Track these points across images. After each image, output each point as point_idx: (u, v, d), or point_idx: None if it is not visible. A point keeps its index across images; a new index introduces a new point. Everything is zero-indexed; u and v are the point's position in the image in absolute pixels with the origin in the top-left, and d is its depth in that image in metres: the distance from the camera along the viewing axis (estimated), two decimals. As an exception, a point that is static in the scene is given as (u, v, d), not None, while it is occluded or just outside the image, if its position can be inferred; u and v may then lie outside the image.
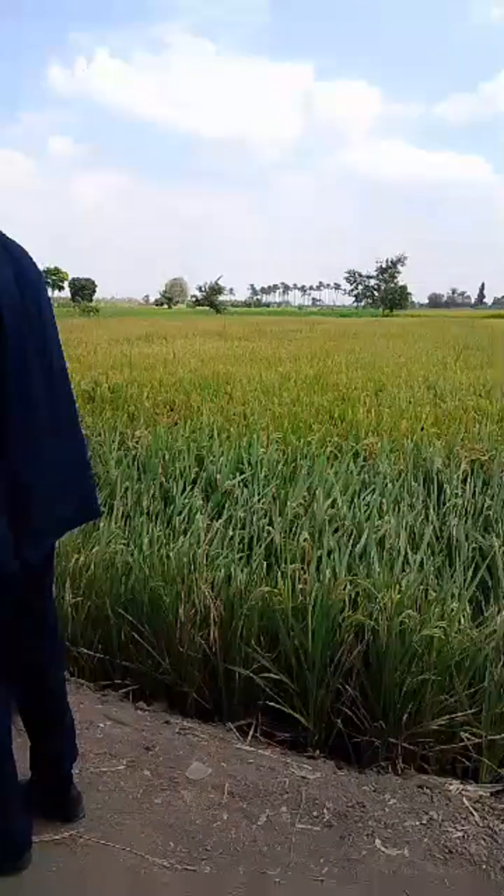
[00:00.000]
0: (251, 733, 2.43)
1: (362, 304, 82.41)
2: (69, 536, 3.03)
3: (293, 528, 3.16)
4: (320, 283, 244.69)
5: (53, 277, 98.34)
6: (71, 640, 2.73)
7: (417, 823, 1.87)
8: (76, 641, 2.75)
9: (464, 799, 1.99)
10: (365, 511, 3.35)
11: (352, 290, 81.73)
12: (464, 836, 1.82)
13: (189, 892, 1.67)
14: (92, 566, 2.86)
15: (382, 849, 1.79)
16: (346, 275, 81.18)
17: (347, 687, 2.42)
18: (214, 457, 4.00)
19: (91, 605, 2.77)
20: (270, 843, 1.82)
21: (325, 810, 1.93)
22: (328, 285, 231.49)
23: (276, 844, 1.82)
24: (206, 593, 2.57)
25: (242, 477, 3.73)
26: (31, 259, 1.62)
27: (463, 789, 2.06)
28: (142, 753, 2.19)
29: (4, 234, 1.55)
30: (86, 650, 2.74)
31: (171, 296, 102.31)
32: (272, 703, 2.43)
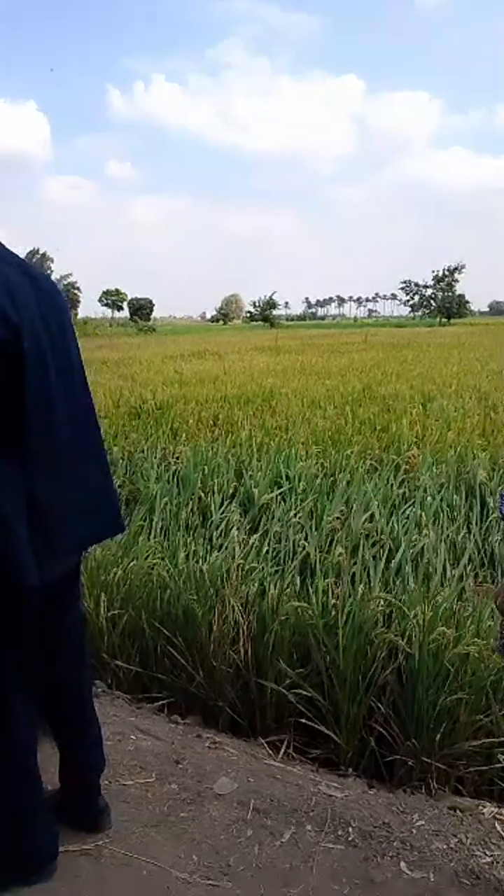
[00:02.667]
0: (283, 749, 2.42)
1: (419, 314, 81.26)
2: (108, 550, 3.11)
3: (329, 543, 3.14)
4: (376, 294, 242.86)
5: (113, 298, 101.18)
6: (108, 652, 2.79)
7: (445, 846, 1.82)
8: (113, 654, 2.80)
9: (496, 823, 1.93)
10: (403, 525, 3.30)
11: (408, 301, 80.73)
12: (493, 862, 1.76)
13: (209, 907, 1.67)
14: (129, 580, 2.91)
15: (407, 871, 1.74)
16: (403, 285, 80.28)
17: (380, 705, 2.38)
18: (253, 471, 4.02)
19: (128, 619, 2.82)
20: (293, 862, 1.80)
21: (350, 829, 1.90)
22: (384, 296, 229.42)
23: (299, 863, 1.80)
24: (237, 608, 2.58)
25: (280, 491, 3.74)
26: (54, 285, 1.69)
27: (497, 813, 1.99)
28: (171, 767, 2.20)
29: (28, 263, 1.62)
30: (123, 663, 2.79)
31: (227, 312, 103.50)
32: (304, 720, 2.41)
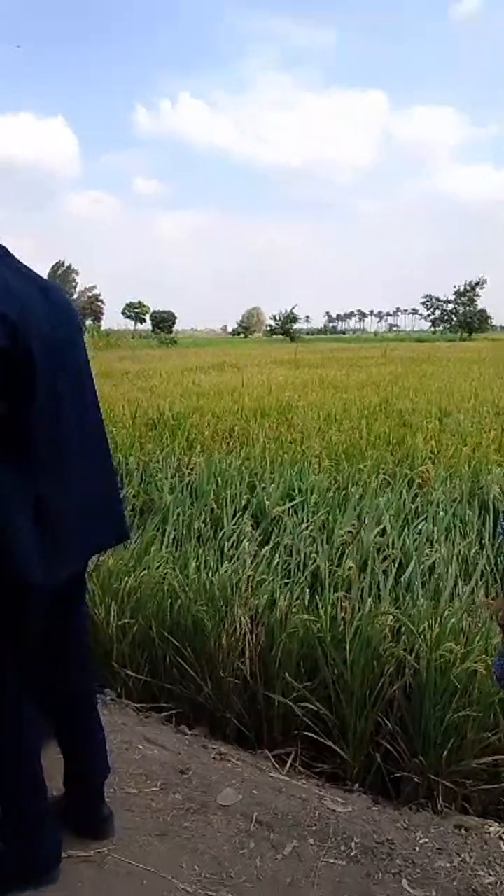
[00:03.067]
0: (289, 763, 2.41)
1: (440, 328, 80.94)
2: (120, 559, 3.14)
3: (339, 556, 3.14)
4: (397, 308, 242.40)
5: (136, 310, 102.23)
6: (118, 661, 2.81)
7: (448, 865, 1.81)
8: (123, 663, 2.82)
9: (501, 843, 1.91)
10: (415, 540, 3.29)
11: (429, 316, 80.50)
12: (496, 882, 1.74)
13: (209, 918, 1.67)
14: (140, 589, 2.94)
15: (409, 889, 1.73)
16: (424, 300, 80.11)
17: (387, 720, 2.37)
18: (265, 483, 4.04)
19: (138, 628, 2.84)
20: (294, 875, 1.80)
21: (352, 844, 1.89)
22: (405, 311, 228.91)
23: (301, 876, 1.79)
24: (246, 620, 2.59)
25: (292, 504, 3.75)
26: (65, 297, 1.73)
27: (502, 833, 1.97)
28: (176, 777, 2.21)
29: (39, 275, 1.67)
30: (132, 672, 2.80)
31: (248, 325, 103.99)
32: (310, 734, 2.41)
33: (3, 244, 1.63)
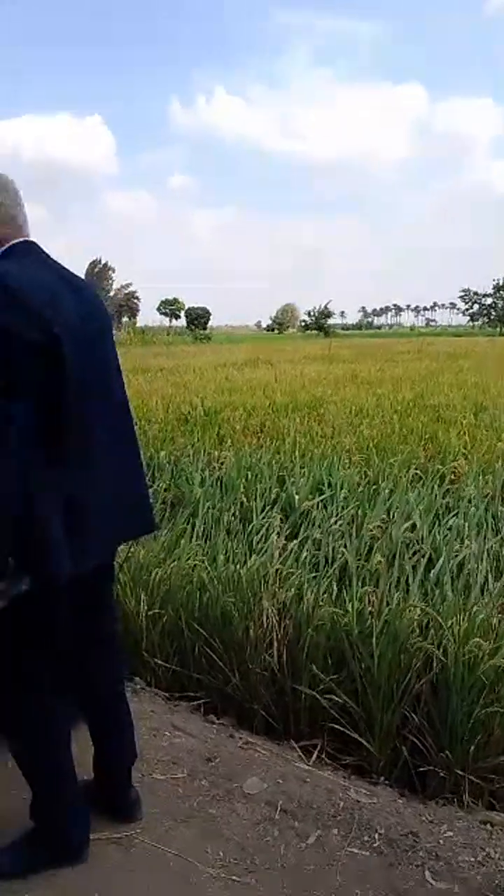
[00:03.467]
0: (315, 754, 2.43)
1: (478, 323, 79.57)
2: (151, 551, 3.19)
3: (368, 551, 3.13)
4: (434, 303, 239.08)
5: (171, 307, 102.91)
6: (147, 650, 2.86)
7: (472, 859, 1.80)
8: (153, 652, 2.87)
9: (527, 839, 1.89)
10: (445, 535, 3.27)
11: (467, 310, 79.23)
12: (521, 878, 1.73)
13: (233, 902, 1.70)
14: (170, 580, 2.98)
15: (432, 881, 1.74)
16: (462, 293, 78.84)
17: (414, 714, 2.37)
18: (295, 477, 4.05)
19: (167, 618, 2.88)
20: (318, 864, 1.81)
21: (376, 836, 1.90)
22: (443, 305, 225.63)
23: (324, 865, 1.81)
24: (274, 612, 2.61)
25: (321, 498, 3.75)
26: (95, 295, 1.78)
27: (530, 830, 1.95)
28: (203, 764, 2.25)
29: (69, 271, 1.71)
30: (161, 661, 2.85)
31: (282, 321, 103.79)
32: (337, 726, 2.42)
33: (36, 241, 1.68)
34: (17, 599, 1.49)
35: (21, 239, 1.62)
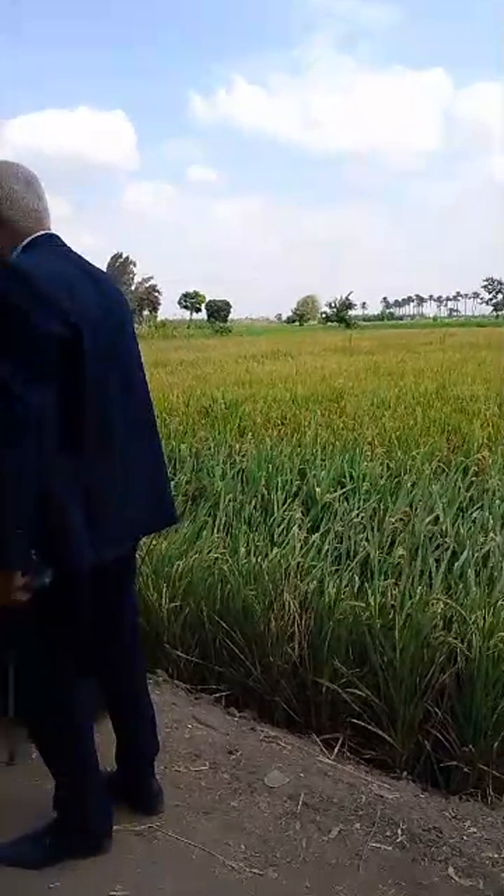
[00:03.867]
0: (337, 748, 2.41)
1: (502, 313, 78.50)
2: (172, 543, 3.19)
3: (390, 544, 3.11)
4: (458, 293, 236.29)
5: (192, 300, 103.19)
6: (169, 642, 2.86)
7: (496, 856, 1.78)
8: (174, 644, 2.87)
9: (553, 837, 1.86)
10: (469, 528, 3.23)
11: (491, 299, 78.22)
12: (547, 876, 1.70)
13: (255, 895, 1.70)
14: (192, 572, 2.98)
15: (455, 877, 1.72)
16: (485, 283, 77.84)
17: (437, 709, 2.34)
18: (316, 470, 4.03)
19: (189, 610, 2.89)
20: (340, 858, 1.80)
21: (399, 831, 1.88)
22: (466, 295, 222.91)
23: (346, 860, 1.80)
24: (295, 605, 2.60)
25: (343, 490, 3.73)
26: (115, 287, 1.77)
27: None
28: (224, 757, 2.25)
29: (91, 264, 1.71)
30: (183, 654, 2.86)
31: (303, 313, 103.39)
32: (358, 720, 2.40)
33: (58, 234, 1.67)
34: (40, 591, 1.50)
35: (42, 232, 1.62)
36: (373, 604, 2.52)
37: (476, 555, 2.92)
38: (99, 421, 1.57)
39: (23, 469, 1.39)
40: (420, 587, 2.60)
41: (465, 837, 1.86)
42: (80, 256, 1.68)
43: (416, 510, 3.36)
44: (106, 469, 1.59)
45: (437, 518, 3.35)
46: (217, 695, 2.72)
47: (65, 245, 1.67)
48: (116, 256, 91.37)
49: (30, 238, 1.60)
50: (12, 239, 1.59)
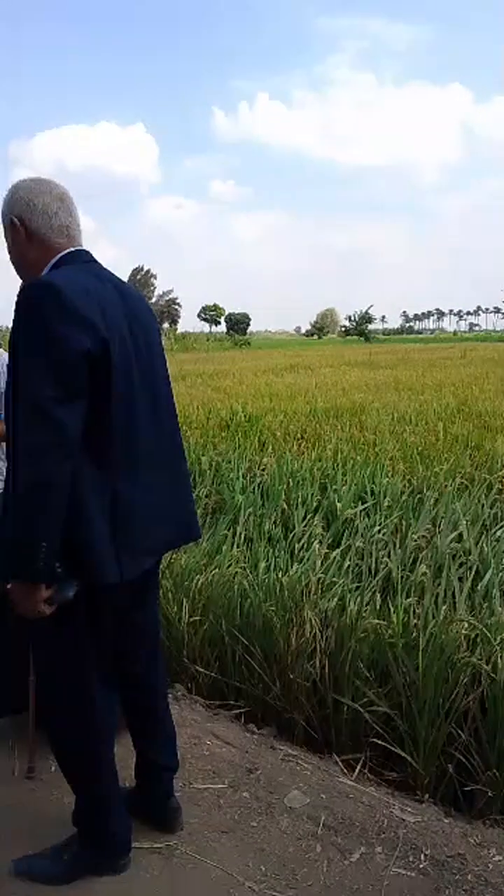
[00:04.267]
0: (358, 768, 2.38)
1: (523, 328, 77.80)
2: (192, 557, 3.19)
3: (413, 561, 3.07)
4: (478, 307, 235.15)
5: (211, 313, 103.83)
6: (188, 657, 2.85)
7: (523, 886, 1.73)
8: (193, 659, 2.86)
9: None
10: (493, 547, 3.18)
11: (511, 314, 77.56)
12: None
13: (274, 918, 1.67)
14: (211, 587, 2.97)
15: (481, 907, 1.67)
16: (506, 298, 77.26)
17: (461, 731, 2.30)
18: (337, 485, 4.00)
19: (208, 625, 2.87)
20: (362, 883, 1.77)
21: (422, 856, 1.85)
22: (487, 310, 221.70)
23: (368, 885, 1.76)
24: (316, 622, 2.57)
25: (364, 506, 3.70)
26: (143, 300, 1.78)
27: None
28: (244, 775, 2.22)
29: (117, 277, 1.72)
30: (202, 669, 2.84)
31: (322, 326, 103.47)
32: (379, 741, 2.37)
33: (87, 249, 1.69)
34: (64, 603, 1.50)
35: (74, 248, 1.64)
36: (395, 622, 2.49)
37: (501, 574, 2.88)
38: (126, 435, 1.57)
39: (52, 484, 1.40)
40: (443, 606, 2.57)
41: (489, 866, 1.81)
42: (110, 272, 1.70)
43: (438, 527, 3.32)
44: (132, 483, 1.59)
45: (460, 536, 3.31)
46: (235, 711, 2.70)
47: (95, 261, 1.69)
48: (137, 269, 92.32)
49: (62, 254, 1.62)
50: (45, 255, 1.61)
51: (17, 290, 1.68)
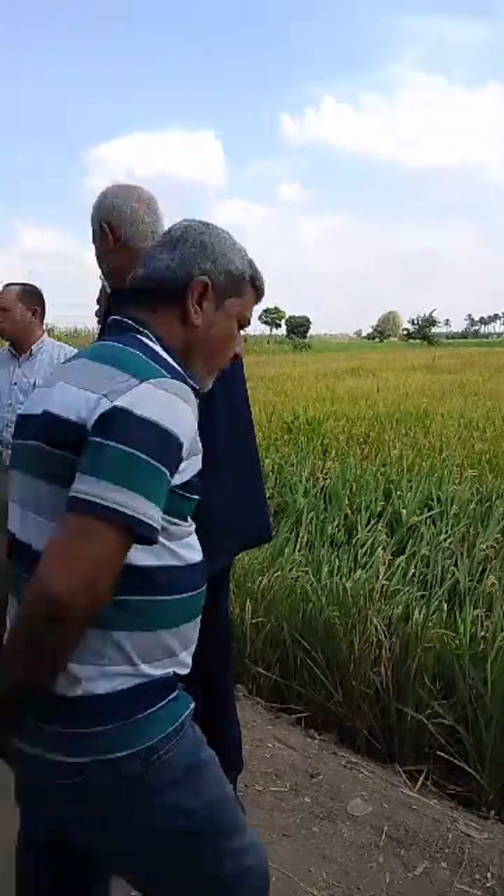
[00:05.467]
0: (421, 780, 2.33)
1: None
2: (255, 559, 3.20)
3: (481, 571, 3.00)
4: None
5: (272, 316, 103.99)
6: (250, 658, 2.86)
7: None
8: (255, 660, 2.87)
9: None
10: None
11: None
12: None
13: (336, 926, 1.66)
14: (273, 589, 2.98)
15: (551, 932, 1.62)
16: None
17: (530, 748, 2.23)
18: (402, 491, 3.95)
19: (270, 627, 2.88)
20: (425, 897, 1.74)
21: (488, 874, 1.80)
22: None
23: (432, 900, 1.73)
24: (380, 628, 2.54)
25: (430, 514, 3.63)
26: None
27: None
28: (306, 780, 2.22)
29: None
30: (263, 671, 2.85)
31: (383, 329, 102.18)
32: (443, 754, 2.32)
33: None
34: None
35: None
36: (462, 633, 2.43)
37: None
38: (204, 436, 1.59)
39: None
40: (513, 619, 2.49)
41: None
42: None
43: (509, 537, 3.23)
44: (212, 483, 1.61)
45: (531, 546, 3.21)
46: (296, 715, 2.69)
47: None
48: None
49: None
50: (133, 261, 1.65)
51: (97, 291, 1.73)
